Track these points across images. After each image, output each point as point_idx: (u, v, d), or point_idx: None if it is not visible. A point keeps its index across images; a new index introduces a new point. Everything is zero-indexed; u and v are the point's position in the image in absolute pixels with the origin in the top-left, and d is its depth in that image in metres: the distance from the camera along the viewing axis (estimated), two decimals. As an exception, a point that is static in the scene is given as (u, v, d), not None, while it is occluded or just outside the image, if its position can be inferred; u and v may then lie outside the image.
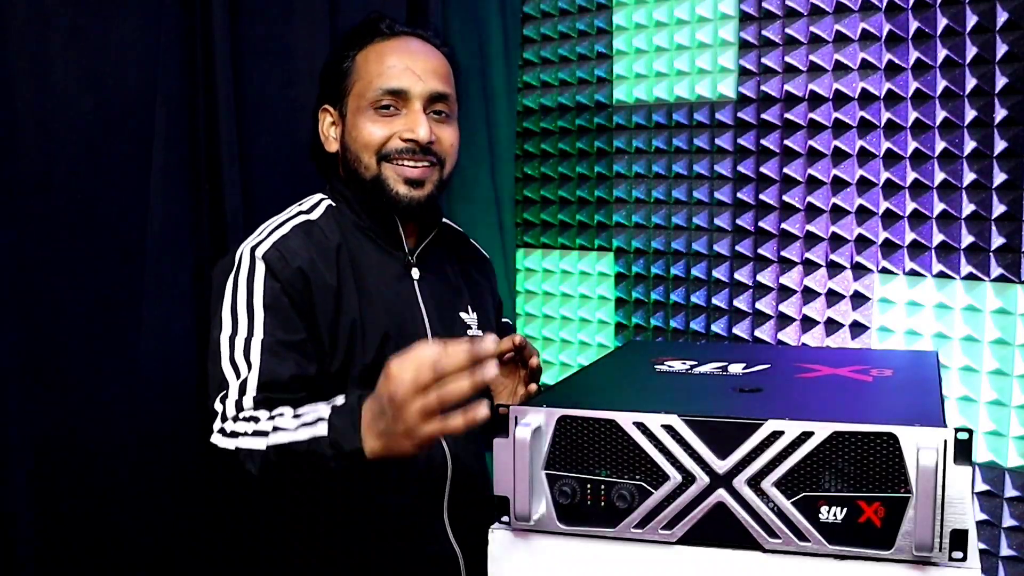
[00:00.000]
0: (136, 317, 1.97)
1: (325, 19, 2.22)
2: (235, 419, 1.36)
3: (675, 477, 1.10)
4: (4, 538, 1.81)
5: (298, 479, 1.32)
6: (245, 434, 1.33)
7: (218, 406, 1.39)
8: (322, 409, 1.30)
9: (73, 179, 1.88)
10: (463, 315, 1.65)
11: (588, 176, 2.70)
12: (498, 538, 1.18)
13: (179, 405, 2.03)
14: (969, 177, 2.03)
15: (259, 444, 1.31)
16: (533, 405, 1.16)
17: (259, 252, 1.46)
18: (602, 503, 1.13)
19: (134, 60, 1.95)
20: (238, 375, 1.39)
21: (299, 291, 1.45)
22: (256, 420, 1.34)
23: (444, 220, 1.73)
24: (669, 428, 1.10)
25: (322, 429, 1.26)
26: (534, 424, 1.14)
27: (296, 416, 1.32)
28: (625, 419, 1.12)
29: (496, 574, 1.19)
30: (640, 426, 1.11)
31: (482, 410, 1.18)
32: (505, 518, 1.16)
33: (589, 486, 1.14)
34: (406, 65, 1.52)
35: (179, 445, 2.03)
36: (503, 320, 1.85)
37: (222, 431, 1.36)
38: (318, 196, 1.62)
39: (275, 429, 1.31)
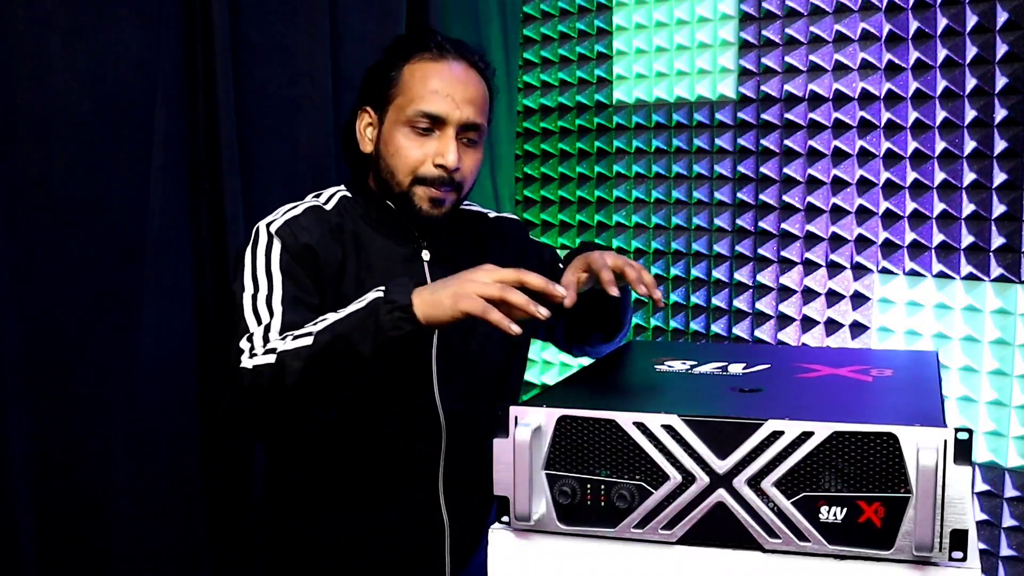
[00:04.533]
0: (136, 316, 1.97)
1: (325, 19, 2.21)
2: (265, 345, 1.44)
3: (675, 477, 1.10)
4: (4, 538, 1.80)
5: (340, 365, 1.38)
6: (285, 342, 1.41)
7: (244, 344, 1.47)
8: (372, 291, 1.41)
9: (73, 179, 1.88)
10: None
11: (588, 176, 2.70)
12: (498, 538, 1.18)
13: (179, 405, 2.03)
14: (969, 177, 2.03)
15: (305, 341, 1.39)
16: (533, 405, 1.16)
17: (273, 228, 1.58)
18: (602, 503, 1.13)
19: (134, 60, 1.94)
20: (260, 322, 1.49)
21: (309, 263, 1.56)
22: (292, 333, 1.43)
23: (467, 206, 1.80)
24: (669, 428, 1.10)
25: (378, 293, 1.38)
26: (534, 424, 1.14)
27: (339, 311, 1.41)
28: (625, 419, 1.12)
29: (496, 574, 1.19)
30: (640, 426, 1.11)
31: (514, 327, 1.30)
32: (505, 518, 1.16)
33: (589, 486, 1.14)
34: (448, 92, 1.60)
35: (179, 445, 2.03)
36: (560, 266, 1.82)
37: (254, 355, 1.43)
38: (335, 188, 1.71)
39: (320, 322, 1.40)
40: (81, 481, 1.92)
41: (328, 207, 1.65)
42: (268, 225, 1.58)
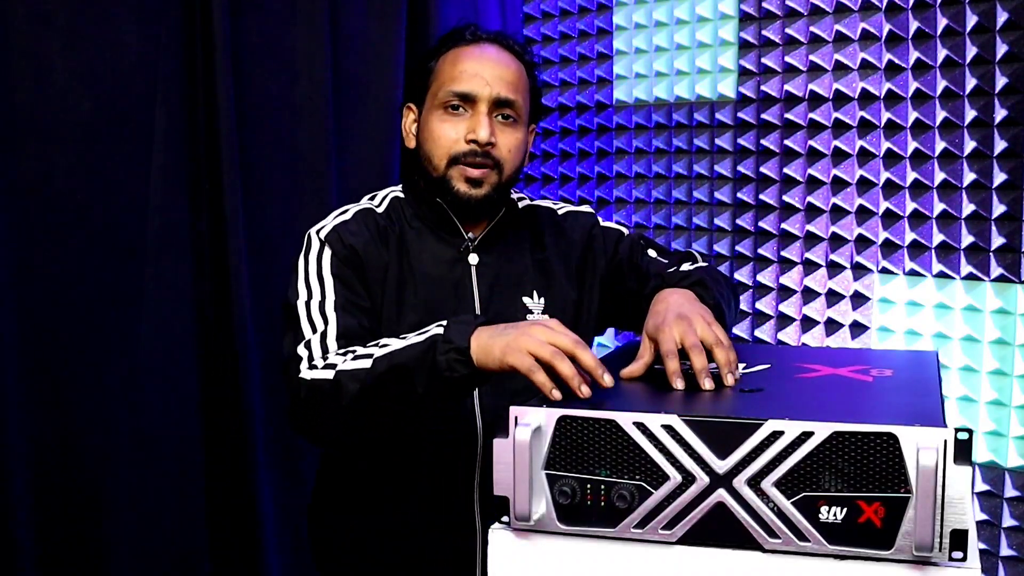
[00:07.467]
0: (136, 316, 1.97)
1: (325, 19, 2.22)
2: (324, 356, 1.46)
3: (675, 477, 1.10)
4: (4, 537, 1.81)
5: (394, 394, 1.39)
6: (345, 360, 1.42)
7: (302, 351, 1.49)
8: (435, 324, 1.40)
9: (73, 179, 1.89)
10: (526, 300, 1.68)
11: (588, 176, 2.70)
12: (498, 538, 1.18)
13: (179, 405, 2.03)
14: (969, 177, 2.03)
15: (364, 363, 1.40)
16: (533, 405, 1.16)
17: (322, 234, 1.61)
18: (602, 503, 1.13)
19: (134, 60, 1.95)
20: (315, 330, 1.52)
21: (356, 267, 1.59)
22: (354, 351, 1.44)
23: (537, 203, 1.79)
24: (669, 428, 1.10)
25: (439, 330, 1.37)
26: (534, 424, 1.14)
27: (402, 338, 1.42)
28: (625, 419, 1.12)
29: (496, 574, 1.19)
30: (640, 426, 1.11)
31: (556, 392, 1.23)
32: (505, 518, 1.16)
33: (589, 486, 1.14)
34: (476, 71, 1.61)
35: (179, 445, 2.03)
36: (644, 259, 1.75)
37: (313, 367, 1.45)
38: (390, 189, 1.72)
39: (381, 347, 1.41)
40: (81, 481, 1.93)
41: (380, 209, 1.66)
42: (318, 232, 1.61)
